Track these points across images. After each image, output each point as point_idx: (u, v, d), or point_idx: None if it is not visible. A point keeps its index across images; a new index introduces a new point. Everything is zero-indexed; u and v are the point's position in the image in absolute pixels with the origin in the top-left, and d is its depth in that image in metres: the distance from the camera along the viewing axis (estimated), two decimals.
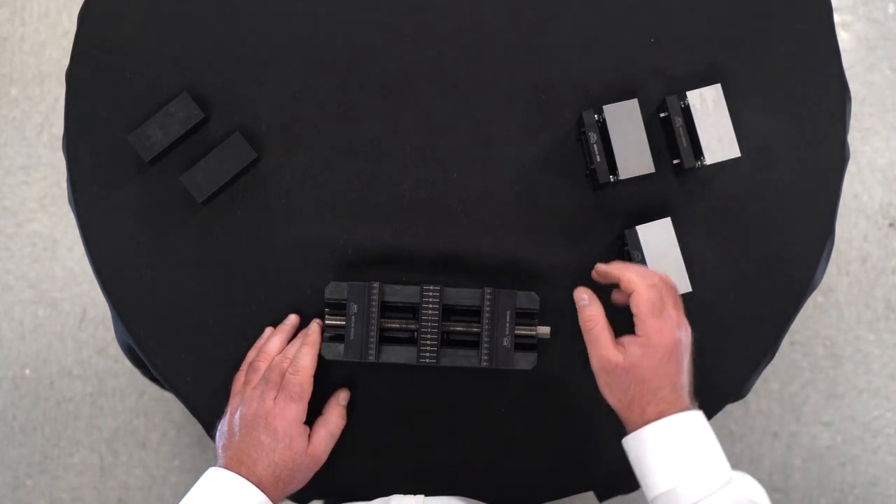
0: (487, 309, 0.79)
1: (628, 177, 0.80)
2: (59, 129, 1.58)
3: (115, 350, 1.55)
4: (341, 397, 0.83)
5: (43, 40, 1.61)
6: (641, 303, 0.72)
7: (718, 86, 0.81)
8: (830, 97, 0.87)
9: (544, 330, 0.82)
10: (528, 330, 0.81)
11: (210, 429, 0.84)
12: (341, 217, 0.86)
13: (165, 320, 0.86)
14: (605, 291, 0.79)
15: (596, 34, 0.87)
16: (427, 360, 0.80)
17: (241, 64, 0.87)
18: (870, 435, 1.54)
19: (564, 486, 0.87)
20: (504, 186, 0.86)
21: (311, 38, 0.87)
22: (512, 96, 0.86)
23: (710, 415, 0.79)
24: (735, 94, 0.85)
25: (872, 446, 1.54)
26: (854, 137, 1.56)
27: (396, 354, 0.80)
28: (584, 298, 0.77)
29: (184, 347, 0.86)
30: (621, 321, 0.74)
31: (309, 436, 0.78)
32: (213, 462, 0.77)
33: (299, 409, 0.78)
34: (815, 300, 1.55)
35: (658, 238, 0.82)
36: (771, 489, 1.53)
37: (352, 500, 0.82)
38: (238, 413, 0.77)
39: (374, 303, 0.79)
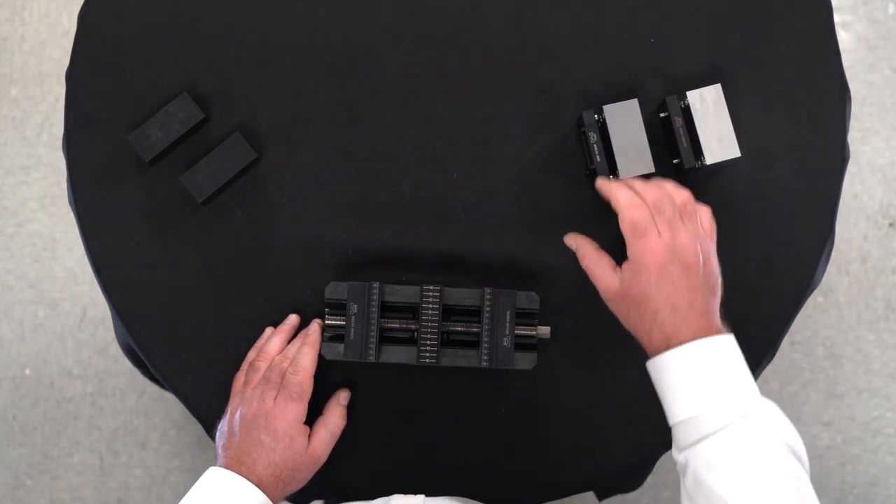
0: (487, 309, 0.79)
1: (628, 177, 0.80)
2: (59, 129, 1.58)
3: (115, 350, 1.55)
4: (342, 397, 0.83)
5: (43, 40, 1.61)
6: (624, 225, 0.71)
7: (718, 86, 0.81)
8: (830, 97, 0.87)
9: (544, 330, 0.82)
10: (528, 330, 0.81)
11: (210, 429, 0.84)
12: (341, 217, 0.86)
13: (165, 320, 0.86)
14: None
15: (596, 34, 0.87)
16: (427, 360, 0.80)
17: (241, 64, 0.87)
18: (870, 435, 1.54)
19: (564, 486, 0.87)
20: (504, 186, 0.86)
21: (312, 38, 0.87)
22: (512, 96, 0.86)
23: None
24: (735, 94, 0.84)
25: (872, 446, 1.54)
26: (854, 137, 1.56)
27: (396, 354, 0.80)
28: (572, 244, 0.77)
29: (184, 347, 0.86)
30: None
31: (309, 436, 0.78)
32: (213, 462, 0.77)
33: (299, 409, 0.78)
34: (815, 300, 1.55)
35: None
36: None
37: (352, 500, 0.82)
38: (238, 413, 0.77)
39: (374, 303, 0.79)
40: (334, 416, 0.82)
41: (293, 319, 0.84)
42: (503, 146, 0.86)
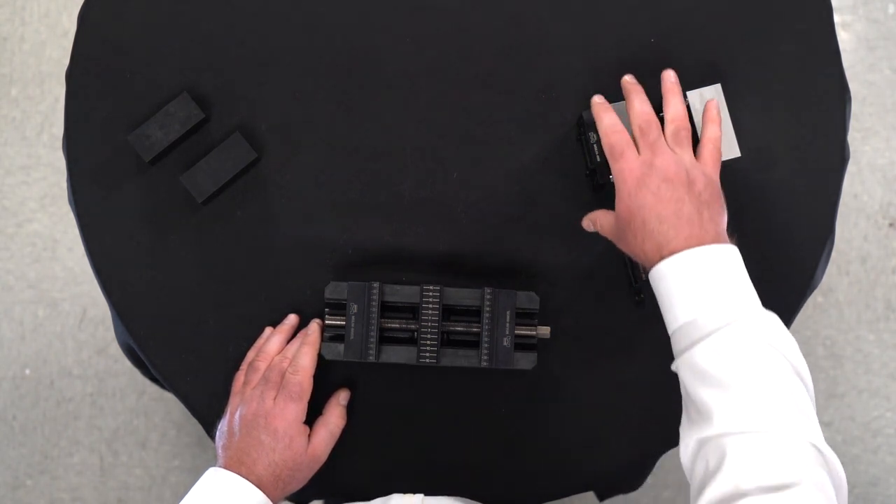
0: (487, 309, 0.79)
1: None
2: (59, 129, 1.57)
3: (115, 350, 1.55)
4: (341, 397, 0.83)
5: (43, 40, 1.61)
6: (605, 149, 0.74)
7: (718, 86, 0.81)
8: (830, 97, 0.87)
9: (544, 330, 0.82)
10: (528, 330, 0.81)
11: (210, 429, 0.84)
12: (341, 217, 0.86)
13: (165, 320, 0.86)
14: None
15: (596, 34, 0.87)
16: (427, 360, 0.80)
17: (241, 64, 0.87)
18: (870, 435, 1.54)
19: (564, 486, 0.87)
20: (504, 186, 0.86)
21: (312, 38, 0.87)
22: (512, 96, 0.86)
23: None
24: (735, 94, 0.84)
25: (872, 446, 1.54)
26: (854, 137, 1.56)
27: (396, 354, 0.80)
28: (589, 226, 0.80)
29: (184, 347, 0.86)
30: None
31: (309, 436, 0.78)
32: (213, 462, 0.77)
33: (299, 409, 0.78)
34: (815, 300, 1.55)
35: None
36: None
37: (352, 500, 0.82)
38: (238, 413, 0.77)
39: (374, 303, 0.79)
40: (334, 416, 0.82)
41: (292, 319, 0.85)
42: (503, 146, 0.86)
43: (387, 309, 0.81)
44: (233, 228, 0.86)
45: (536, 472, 0.86)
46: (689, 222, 0.68)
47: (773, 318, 0.67)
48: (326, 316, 0.81)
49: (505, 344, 0.79)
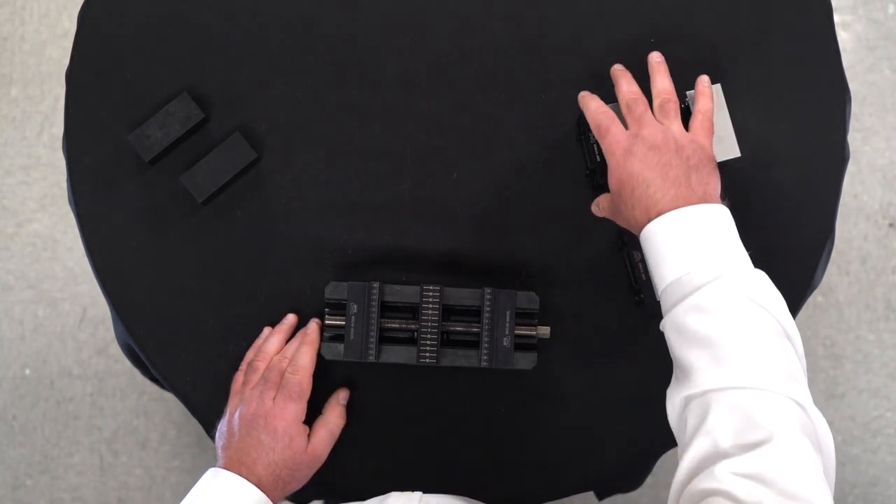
0: (487, 309, 0.79)
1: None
2: (59, 129, 1.58)
3: (115, 350, 1.55)
4: (341, 397, 0.83)
5: (43, 40, 1.61)
6: (593, 131, 0.75)
7: (718, 86, 0.81)
8: (830, 97, 0.87)
9: (544, 330, 0.82)
10: (528, 330, 0.81)
11: (210, 429, 0.84)
12: (341, 217, 0.86)
13: (165, 320, 0.86)
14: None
15: (596, 34, 0.87)
16: (427, 360, 0.80)
17: (241, 64, 0.87)
18: (870, 435, 1.54)
19: (564, 486, 0.87)
20: (504, 186, 0.86)
21: (312, 38, 0.87)
22: (512, 96, 0.86)
23: None
24: (735, 94, 0.84)
25: (872, 446, 1.54)
26: (854, 137, 1.56)
27: (396, 354, 0.80)
28: (596, 210, 0.80)
29: (184, 347, 0.86)
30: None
31: (309, 435, 0.78)
32: (213, 462, 0.77)
33: (299, 409, 0.78)
34: (815, 300, 1.55)
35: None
36: None
37: (351, 500, 0.82)
38: (237, 413, 0.77)
39: (374, 303, 0.79)
40: (334, 416, 0.82)
41: (291, 319, 0.84)
42: (503, 146, 0.86)
43: (387, 309, 0.81)
44: (233, 228, 0.86)
45: (536, 472, 0.86)
46: (675, 184, 0.69)
47: (760, 276, 0.67)
48: (326, 316, 0.81)
49: (505, 344, 0.79)
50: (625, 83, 0.77)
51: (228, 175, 0.84)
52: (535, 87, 0.86)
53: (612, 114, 0.75)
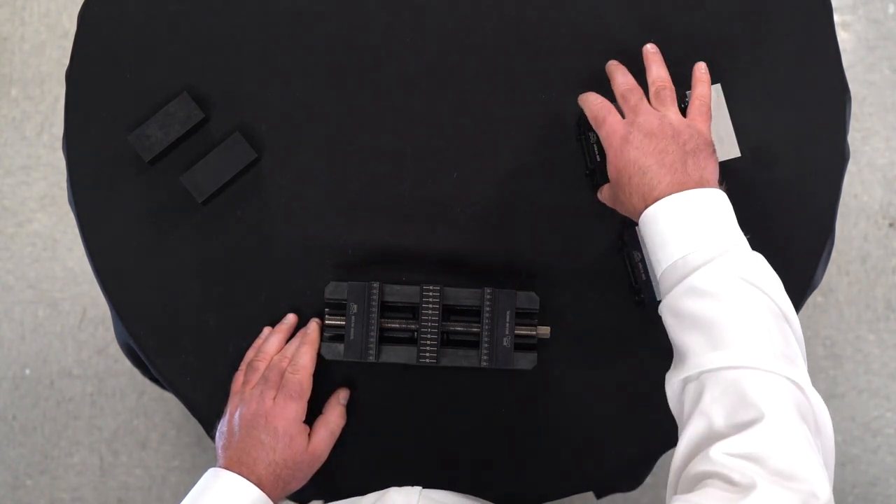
0: (487, 309, 0.79)
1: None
2: (59, 129, 1.57)
3: (115, 350, 1.55)
4: (341, 396, 0.83)
5: (43, 40, 1.61)
6: (591, 123, 0.76)
7: (718, 86, 0.81)
8: (830, 97, 0.87)
9: (544, 330, 0.82)
10: (528, 330, 0.81)
11: (210, 429, 0.84)
12: (341, 217, 0.86)
13: (165, 320, 0.86)
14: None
15: (596, 34, 0.87)
16: (427, 360, 0.80)
17: (241, 64, 0.87)
18: (870, 435, 1.54)
19: (564, 486, 0.87)
20: (504, 186, 0.86)
21: (312, 37, 0.87)
22: (512, 96, 0.86)
23: None
24: (735, 95, 0.84)
25: (872, 446, 1.54)
26: (854, 137, 1.56)
27: (396, 354, 0.80)
28: (602, 199, 0.81)
29: (184, 347, 0.86)
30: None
31: (309, 435, 0.78)
32: (213, 462, 0.77)
33: (299, 408, 0.78)
34: (815, 300, 1.55)
35: None
36: None
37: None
38: (238, 413, 0.77)
39: (374, 303, 0.79)
40: (334, 415, 0.82)
41: (291, 319, 0.84)
42: (503, 146, 0.86)
43: (387, 309, 0.81)
44: (233, 228, 0.86)
45: (536, 472, 0.86)
46: (671, 170, 0.69)
47: (758, 258, 0.68)
48: (326, 316, 0.81)
49: (505, 344, 0.79)
50: (619, 75, 0.77)
51: (228, 175, 0.84)
52: (536, 87, 0.86)
53: (609, 105, 0.75)
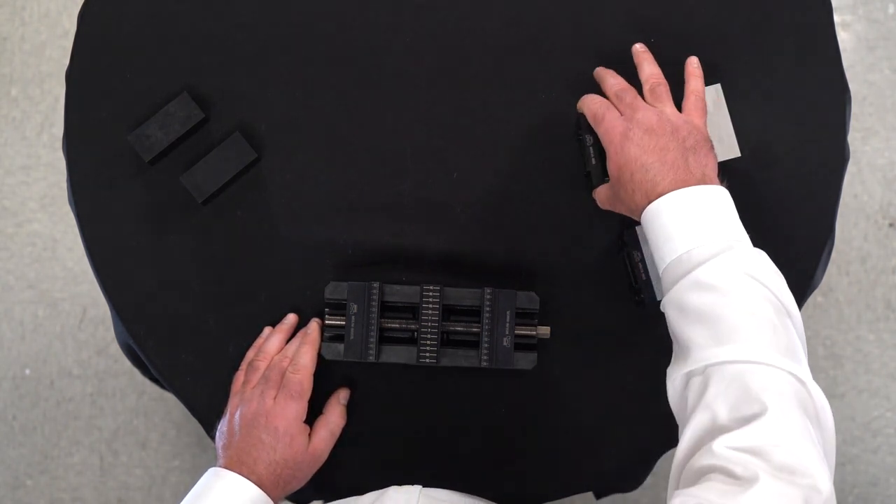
0: (487, 309, 0.79)
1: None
2: (59, 129, 1.57)
3: (115, 350, 1.55)
4: (341, 396, 0.83)
5: (43, 40, 1.61)
6: (590, 121, 0.76)
7: (718, 86, 0.81)
8: (830, 97, 0.87)
9: (544, 330, 0.82)
10: (528, 330, 0.81)
11: (210, 429, 0.84)
12: (341, 217, 0.86)
13: (165, 320, 0.86)
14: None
15: (596, 34, 0.87)
16: (427, 360, 0.80)
17: (241, 64, 0.87)
18: (870, 435, 1.54)
19: (564, 486, 0.87)
20: (504, 186, 0.86)
21: (312, 38, 0.87)
22: (512, 96, 0.86)
23: None
24: (735, 94, 0.84)
25: (872, 446, 1.54)
26: (854, 137, 1.56)
27: (396, 354, 0.80)
28: (598, 201, 0.80)
29: (184, 347, 0.86)
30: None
31: (309, 435, 0.78)
32: (213, 462, 0.77)
33: (300, 408, 0.78)
34: (815, 300, 1.55)
35: None
36: None
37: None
38: (238, 412, 0.77)
39: (374, 303, 0.79)
40: (334, 415, 0.82)
41: (291, 319, 0.84)
42: (503, 146, 0.86)
43: (387, 309, 0.81)
44: (233, 228, 0.86)
45: (536, 472, 0.86)
46: (673, 167, 0.69)
47: (760, 254, 0.68)
48: (326, 316, 0.81)
49: (505, 344, 0.79)
50: (610, 77, 0.78)
51: (228, 175, 0.84)
52: (536, 87, 0.86)
53: (608, 103, 0.75)
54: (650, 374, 0.75)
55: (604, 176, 0.80)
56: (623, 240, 0.83)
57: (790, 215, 0.86)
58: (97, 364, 1.57)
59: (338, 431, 0.81)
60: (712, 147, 0.73)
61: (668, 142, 0.70)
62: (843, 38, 1.58)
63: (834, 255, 1.34)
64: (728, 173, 0.85)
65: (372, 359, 0.79)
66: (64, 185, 0.90)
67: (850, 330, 1.55)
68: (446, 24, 0.87)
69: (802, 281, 0.86)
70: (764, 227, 0.85)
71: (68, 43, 1.55)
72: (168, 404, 1.56)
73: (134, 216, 0.86)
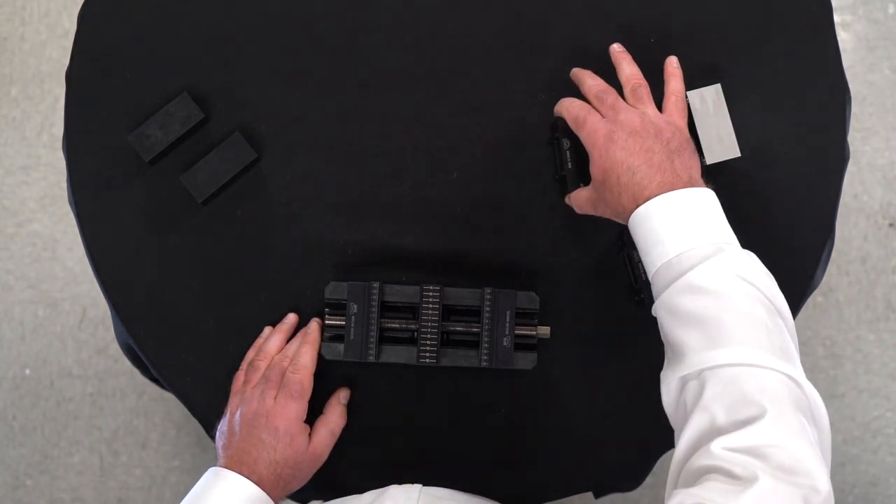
0: (487, 309, 0.79)
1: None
2: (59, 129, 1.58)
3: (115, 350, 1.55)
4: (342, 396, 0.83)
5: (43, 40, 1.61)
6: (571, 126, 0.76)
7: (718, 86, 0.81)
8: (830, 97, 0.87)
9: (544, 330, 0.82)
10: (528, 330, 0.81)
11: (210, 429, 0.84)
12: (341, 217, 0.86)
13: (165, 320, 0.86)
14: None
15: (596, 34, 0.87)
16: (427, 360, 0.80)
17: (241, 64, 0.87)
18: (870, 435, 1.54)
19: (564, 486, 0.87)
20: (504, 186, 0.86)
21: (312, 38, 0.87)
22: (512, 96, 0.86)
23: None
24: (735, 94, 0.84)
25: (872, 446, 1.54)
26: (854, 137, 1.56)
27: (396, 354, 0.80)
28: (574, 207, 0.79)
29: (184, 347, 0.86)
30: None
31: (310, 434, 0.79)
32: (213, 462, 0.77)
33: (300, 408, 0.78)
34: (815, 300, 1.55)
35: None
36: None
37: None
38: (238, 412, 0.77)
39: (374, 303, 0.79)
40: (335, 415, 0.82)
41: (292, 319, 0.84)
42: (503, 146, 0.86)
43: (387, 309, 0.81)
44: (233, 228, 0.86)
45: (536, 472, 0.86)
46: (660, 170, 0.69)
47: (750, 256, 0.68)
48: (326, 316, 0.81)
49: (505, 344, 0.79)
50: (588, 79, 0.77)
51: (228, 175, 0.84)
52: (536, 88, 0.86)
53: (587, 105, 0.75)
54: (650, 374, 0.75)
55: (579, 180, 0.80)
56: (623, 240, 0.83)
57: (790, 215, 0.86)
58: (97, 364, 1.57)
59: (338, 431, 0.81)
60: (695, 148, 0.73)
61: (653, 144, 0.70)
62: (843, 38, 1.58)
63: (834, 255, 1.34)
64: (728, 173, 0.86)
65: (372, 359, 0.80)
66: (64, 185, 0.90)
67: (850, 330, 1.55)
68: (446, 25, 0.87)
69: (802, 281, 0.86)
70: (764, 227, 0.86)
71: (68, 43, 1.55)
72: (168, 404, 1.56)
73: (134, 216, 0.86)
